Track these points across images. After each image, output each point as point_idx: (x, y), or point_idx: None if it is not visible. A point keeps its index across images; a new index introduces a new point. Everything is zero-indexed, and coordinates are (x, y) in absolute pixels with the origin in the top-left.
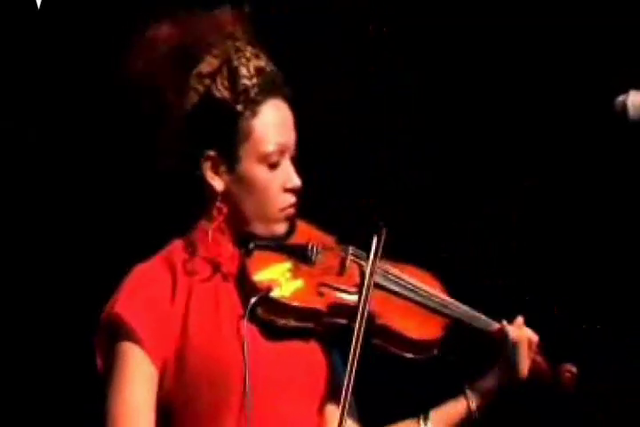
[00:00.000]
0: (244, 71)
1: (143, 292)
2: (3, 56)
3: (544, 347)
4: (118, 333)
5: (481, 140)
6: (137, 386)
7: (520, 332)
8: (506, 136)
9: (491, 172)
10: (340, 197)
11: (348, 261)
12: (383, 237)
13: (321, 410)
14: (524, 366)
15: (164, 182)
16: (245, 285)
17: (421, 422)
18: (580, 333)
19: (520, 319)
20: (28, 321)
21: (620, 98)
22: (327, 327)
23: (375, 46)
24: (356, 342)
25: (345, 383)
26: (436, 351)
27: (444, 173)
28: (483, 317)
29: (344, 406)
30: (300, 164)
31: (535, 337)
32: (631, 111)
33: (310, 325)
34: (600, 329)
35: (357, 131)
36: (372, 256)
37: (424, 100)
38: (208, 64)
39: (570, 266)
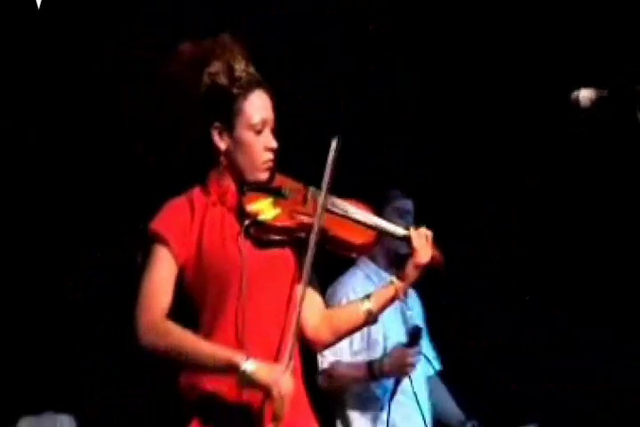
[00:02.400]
0: (237, 67)
1: (171, 214)
2: (3, 56)
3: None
4: (153, 240)
5: (481, 141)
6: (161, 272)
7: (420, 232)
8: (506, 136)
9: (491, 172)
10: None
11: (309, 196)
12: (339, 144)
13: (293, 291)
14: (426, 254)
15: (183, 156)
16: (242, 213)
17: (365, 300)
18: (580, 333)
19: (422, 227)
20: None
21: (574, 92)
22: (296, 239)
23: (375, 46)
24: (312, 244)
25: (306, 271)
26: (369, 251)
27: (444, 173)
28: (397, 227)
29: (306, 284)
30: (300, 163)
31: (430, 233)
32: (582, 101)
33: (285, 237)
34: (600, 329)
35: (357, 131)
36: (330, 159)
37: (424, 100)
38: (214, 66)
39: (569, 266)
